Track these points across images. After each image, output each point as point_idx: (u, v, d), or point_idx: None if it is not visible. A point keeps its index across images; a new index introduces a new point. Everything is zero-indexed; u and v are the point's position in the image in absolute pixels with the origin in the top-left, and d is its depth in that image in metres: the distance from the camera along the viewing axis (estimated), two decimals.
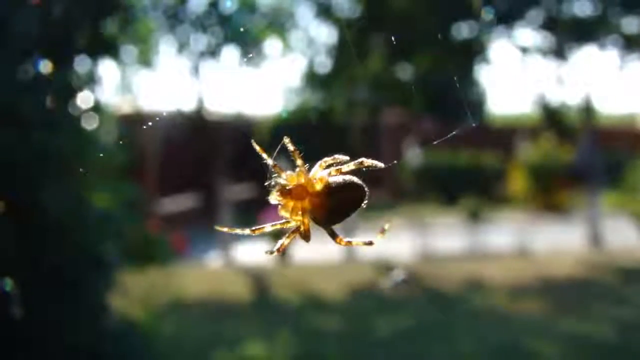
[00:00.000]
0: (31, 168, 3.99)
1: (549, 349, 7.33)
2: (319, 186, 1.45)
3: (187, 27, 13.57)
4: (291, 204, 1.46)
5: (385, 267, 11.35)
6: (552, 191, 18.62)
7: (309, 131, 16.37)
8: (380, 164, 1.48)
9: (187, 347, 7.50)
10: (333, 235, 1.49)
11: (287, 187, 1.45)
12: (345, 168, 1.47)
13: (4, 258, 3.93)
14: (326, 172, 1.47)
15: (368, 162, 1.47)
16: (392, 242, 13.89)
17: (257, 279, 11.18)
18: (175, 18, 13.44)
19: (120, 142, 5.67)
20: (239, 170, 15.01)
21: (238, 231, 1.51)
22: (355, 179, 1.46)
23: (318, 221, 1.46)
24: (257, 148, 1.46)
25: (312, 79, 15.63)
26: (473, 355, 7.07)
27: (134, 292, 6.46)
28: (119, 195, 5.16)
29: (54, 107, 4.35)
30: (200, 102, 14.94)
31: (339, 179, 1.46)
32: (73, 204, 4.22)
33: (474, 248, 13.67)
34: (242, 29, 12.51)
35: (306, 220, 1.46)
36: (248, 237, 1.48)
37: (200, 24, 13.41)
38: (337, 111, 14.72)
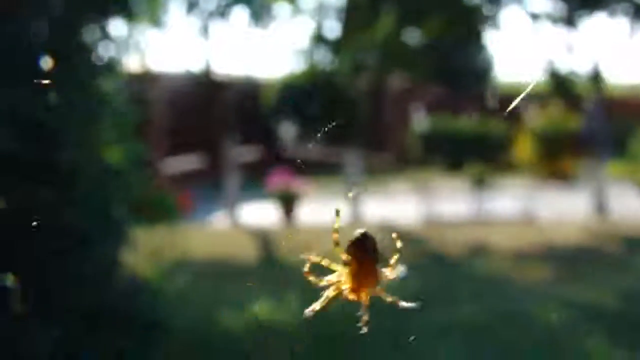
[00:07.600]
0: (45, 123, 4.03)
1: (550, 315, 7.39)
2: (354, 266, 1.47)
3: None
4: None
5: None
6: (558, 159, 18.60)
7: (315, 94, 16.34)
8: None
9: (194, 306, 7.59)
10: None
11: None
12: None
13: (16, 211, 3.98)
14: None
15: None
16: (397, 206, 13.93)
17: (263, 240, 11.26)
18: None
19: (131, 101, 5.70)
20: (245, 132, 15.03)
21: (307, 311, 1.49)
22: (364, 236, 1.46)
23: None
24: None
25: (320, 42, 15.55)
26: (475, 320, 7.14)
27: (142, 250, 6.53)
28: (128, 153, 5.20)
29: (68, 65, 4.37)
30: (208, 63, 14.93)
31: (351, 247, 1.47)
32: (85, 160, 4.27)
33: (478, 214, 13.72)
34: None
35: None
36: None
37: None
38: (343, 75, 14.66)
